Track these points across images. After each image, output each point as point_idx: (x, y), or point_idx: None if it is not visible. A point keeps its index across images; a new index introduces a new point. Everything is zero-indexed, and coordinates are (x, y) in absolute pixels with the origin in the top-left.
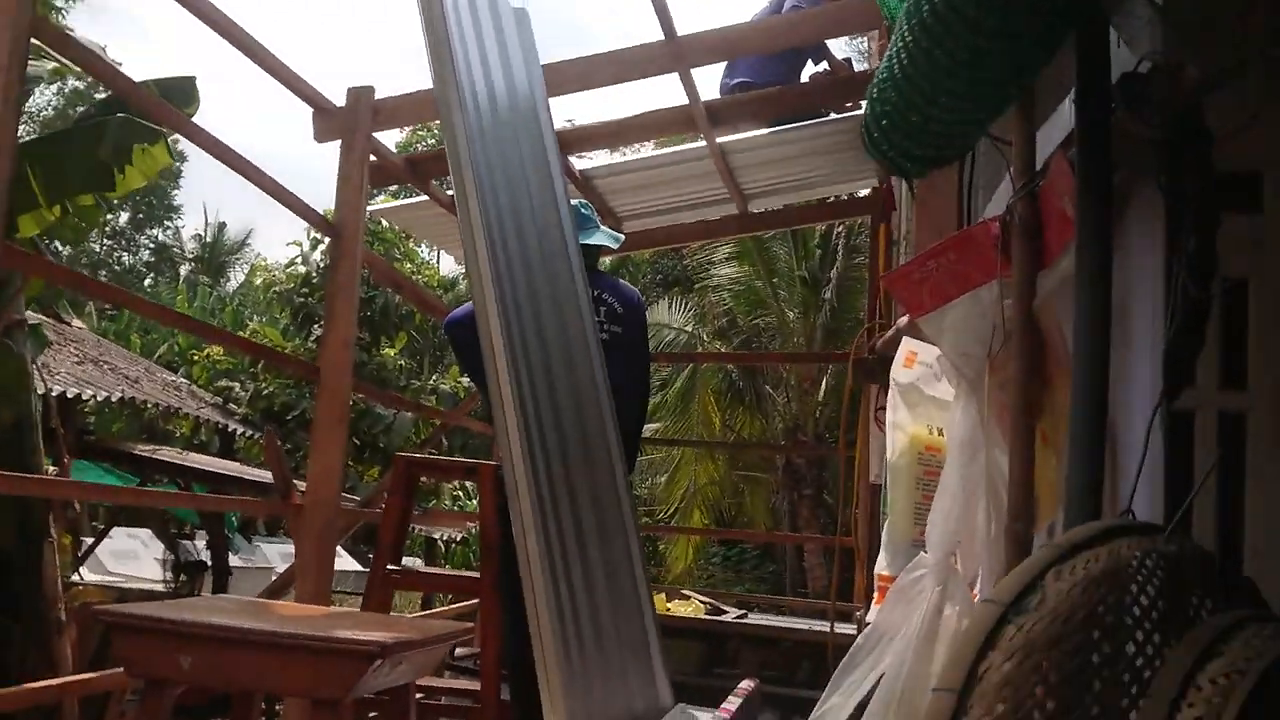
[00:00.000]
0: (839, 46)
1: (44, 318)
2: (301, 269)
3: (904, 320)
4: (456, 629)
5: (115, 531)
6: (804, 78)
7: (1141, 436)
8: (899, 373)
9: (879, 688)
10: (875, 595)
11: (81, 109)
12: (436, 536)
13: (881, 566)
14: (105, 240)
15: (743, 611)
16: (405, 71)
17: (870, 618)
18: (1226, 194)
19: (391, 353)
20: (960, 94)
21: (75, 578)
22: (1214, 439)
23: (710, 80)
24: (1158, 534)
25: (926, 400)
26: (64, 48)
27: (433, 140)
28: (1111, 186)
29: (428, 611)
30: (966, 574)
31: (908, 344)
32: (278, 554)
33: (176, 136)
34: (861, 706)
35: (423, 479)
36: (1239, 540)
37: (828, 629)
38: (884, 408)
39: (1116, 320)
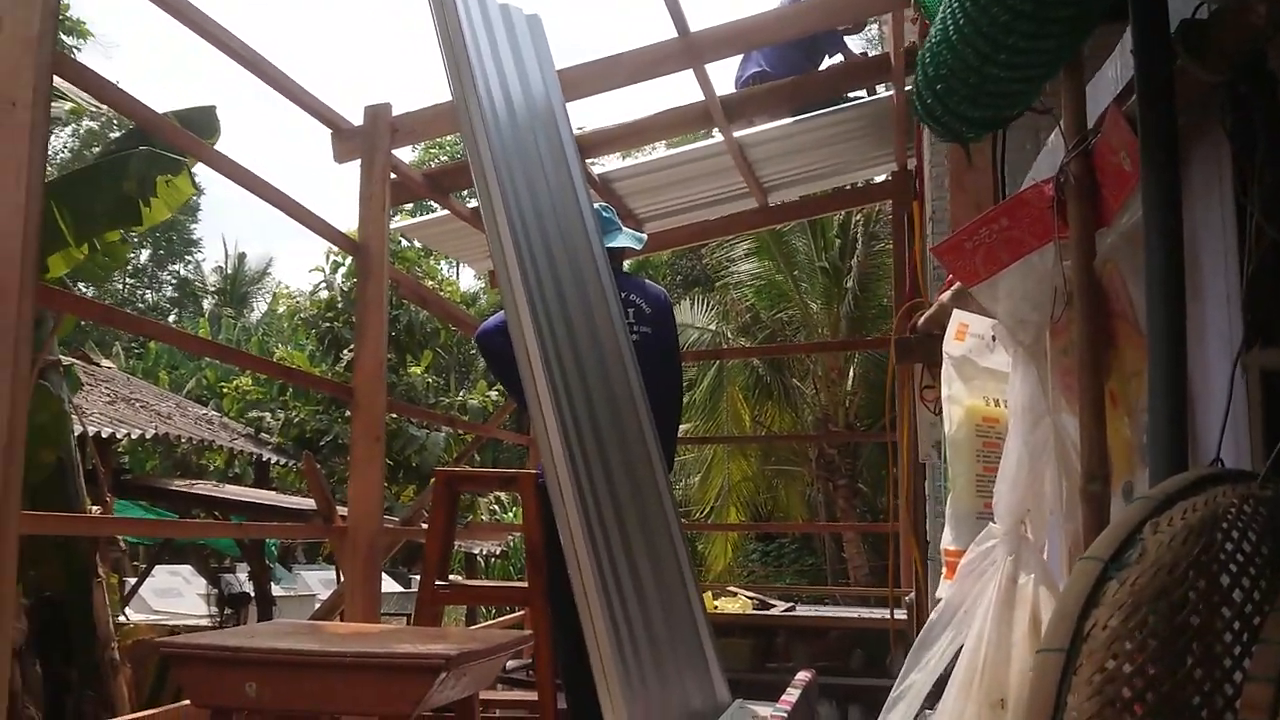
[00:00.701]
0: (853, 42)
1: (74, 359)
2: (325, 294)
3: (946, 295)
4: (517, 638)
5: (157, 569)
6: None
7: (1216, 387)
8: (951, 346)
9: (959, 661)
10: (944, 571)
11: (98, 149)
12: (476, 552)
13: (947, 542)
14: (127, 279)
15: (790, 604)
16: (421, 80)
17: (940, 594)
18: None
19: (418, 371)
20: (1021, 49)
21: (121, 618)
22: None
23: (724, 73)
24: (1252, 480)
25: (981, 372)
26: (85, 83)
27: (445, 157)
28: (1176, 137)
29: (474, 627)
30: (1037, 541)
31: (959, 316)
32: (318, 580)
33: (195, 169)
34: (941, 681)
35: (461, 494)
36: None
37: (874, 617)
38: (929, 386)
39: (1186, 272)
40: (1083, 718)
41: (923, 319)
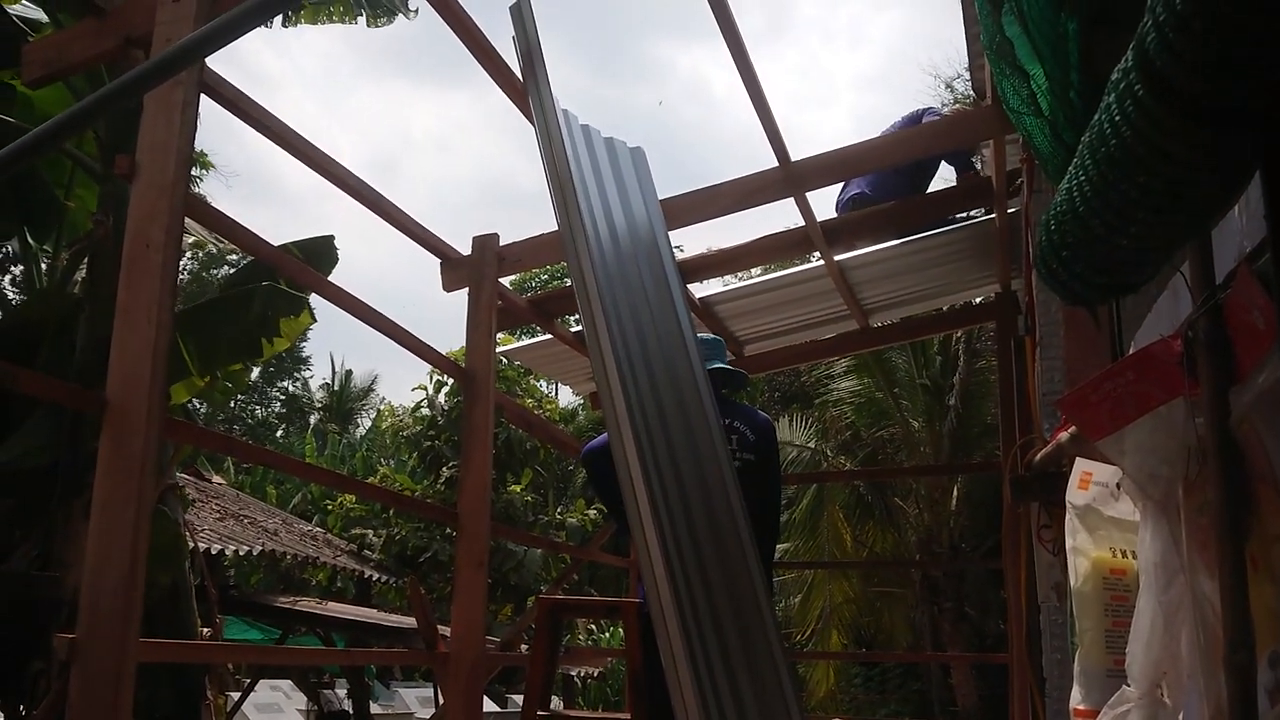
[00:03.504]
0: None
1: (187, 476)
2: (426, 412)
3: (1064, 436)
4: None
5: (259, 684)
6: None
7: None
8: (1074, 495)
9: None
10: None
11: (217, 271)
12: (574, 673)
13: (1076, 700)
14: (239, 395)
15: None
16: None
17: None
18: None
19: (518, 489)
20: (1150, 224)
21: None
22: None
23: (824, 196)
24: None
25: (1106, 522)
26: (213, 224)
27: (545, 276)
28: None
29: None
30: (1175, 706)
31: (1081, 464)
32: (415, 698)
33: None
34: None
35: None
36: None
37: None
38: (1046, 526)
39: None
40: None
41: (1038, 456)
